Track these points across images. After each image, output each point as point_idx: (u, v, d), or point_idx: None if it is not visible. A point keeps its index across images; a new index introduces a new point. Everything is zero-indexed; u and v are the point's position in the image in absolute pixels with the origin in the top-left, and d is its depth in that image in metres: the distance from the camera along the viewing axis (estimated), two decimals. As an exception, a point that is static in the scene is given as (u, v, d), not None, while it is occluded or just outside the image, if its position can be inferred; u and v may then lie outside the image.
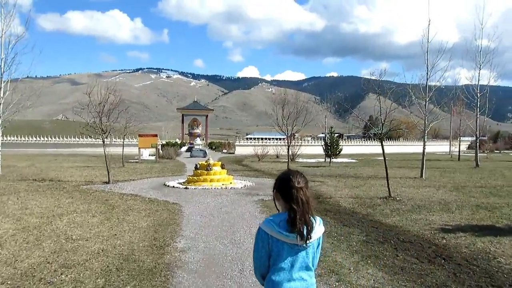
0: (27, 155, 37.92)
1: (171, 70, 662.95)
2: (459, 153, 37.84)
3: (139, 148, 31.05)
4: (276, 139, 56.15)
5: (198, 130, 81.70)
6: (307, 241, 2.19)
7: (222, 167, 16.50)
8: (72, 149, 47.45)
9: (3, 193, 12.20)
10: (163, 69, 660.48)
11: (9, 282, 4.79)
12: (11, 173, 18.64)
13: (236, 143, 52.17)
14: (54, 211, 9.33)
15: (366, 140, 68.61)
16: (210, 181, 15.18)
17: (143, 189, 13.88)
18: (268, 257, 2.24)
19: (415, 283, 4.99)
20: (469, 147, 61.92)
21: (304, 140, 52.63)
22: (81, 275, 5.06)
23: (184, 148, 54.73)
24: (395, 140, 68.47)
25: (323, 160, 33.34)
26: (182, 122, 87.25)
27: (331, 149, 27.45)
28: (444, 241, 6.97)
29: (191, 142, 68.81)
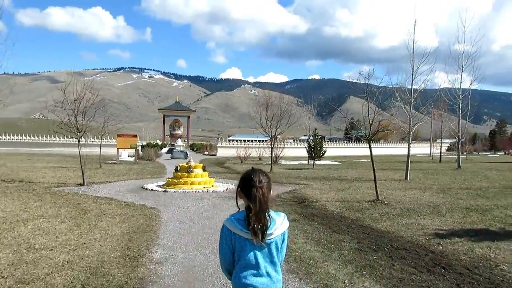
0: None
1: (153, 70, 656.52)
2: (440, 155, 38.10)
3: (117, 148, 30.03)
4: (259, 141, 55.76)
5: (179, 131, 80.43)
6: (264, 239, 2.22)
7: (204, 169, 15.89)
8: (48, 148, 45.89)
9: (-34, 196, 11.32)
10: (145, 68, 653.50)
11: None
12: (-21, 175, 17.59)
13: (218, 145, 51.43)
14: (18, 215, 8.56)
15: (348, 142, 68.86)
16: (190, 184, 14.54)
17: (120, 192, 13.13)
18: (232, 253, 2.31)
19: (417, 298, 4.52)
20: (448, 149, 62.75)
21: (286, 142, 52.22)
22: (40, 293, 4.41)
23: (165, 150, 53.67)
24: (376, 142, 68.83)
25: (306, 162, 32.96)
26: (164, 123, 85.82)
27: (315, 151, 27.07)
28: (441, 247, 6.55)
29: (172, 143, 67.73)
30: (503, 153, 60.08)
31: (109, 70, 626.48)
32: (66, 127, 14.47)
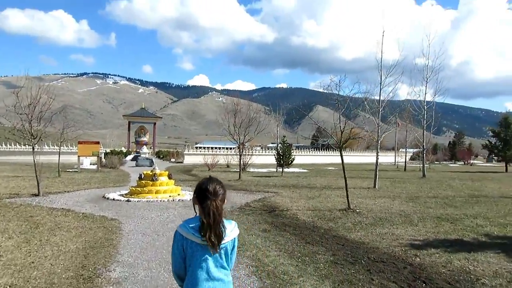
0: (-51, 163, 34.04)
1: (118, 75, 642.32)
2: (405, 164, 38.94)
3: (78, 156, 28.67)
4: (226, 148, 55.22)
5: (145, 138, 78.62)
6: (218, 248, 2.27)
7: (170, 177, 15.22)
8: (4, 157, 43.48)
9: None
10: (109, 74, 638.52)
11: None
12: None
13: (185, 152, 50.45)
14: (-40, 231, 7.68)
15: (315, 150, 69.52)
16: (155, 193, 13.84)
17: (78, 203, 12.27)
18: (183, 259, 2.33)
19: (402, 317, 4.18)
20: (411, 158, 64.39)
21: (254, 149, 51.96)
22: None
23: (129, 157, 52.11)
24: (342, 150, 69.68)
25: (274, 169, 32.74)
26: (129, 130, 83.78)
27: (284, 159, 26.84)
28: (418, 259, 6.29)
29: (138, 150, 66.04)
30: (463, 163, 62.24)
31: (71, 75, 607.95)
32: (19, 133, 13.42)
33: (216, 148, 55.30)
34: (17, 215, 9.56)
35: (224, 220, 2.36)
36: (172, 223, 9.14)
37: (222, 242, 2.30)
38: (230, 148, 54.40)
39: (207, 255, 2.30)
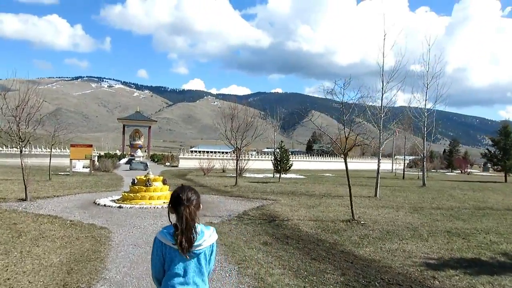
0: None
1: (113, 79, 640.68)
2: (403, 172, 38.44)
3: (70, 159, 27.91)
4: (221, 152, 54.53)
5: (140, 142, 77.70)
6: (189, 251, 2.36)
7: (164, 182, 14.57)
8: (-4, 158, 42.46)
9: None
10: (104, 78, 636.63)
11: None
12: None
13: (180, 156, 49.70)
14: None
15: (310, 155, 69.01)
16: (149, 199, 13.20)
17: (67, 209, 11.60)
18: (163, 264, 2.43)
19: None
20: (408, 166, 63.99)
21: (249, 154, 51.35)
22: None
23: (123, 160, 51.27)
24: (336, 157, 69.34)
25: (271, 175, 32.14)
26: (123, 133, 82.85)
27: (281, 165, 26.25)
28: (437, 282, 5.72)
29: (132, 154, 65.18)
30: (460, 171, 61.98)
31: (66, 79, 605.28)
32: (6, 135, 12.73)
33: (211, 152, 54.61)
34: (0, 222, 8.90)
35: (202, 226, 2.47)
36: (166, 234, 8.49)
37: (199, 248, 2.40)
38: (226, 153, 53.82)
39: (185, 261, 2.38)
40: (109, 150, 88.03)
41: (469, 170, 61.62)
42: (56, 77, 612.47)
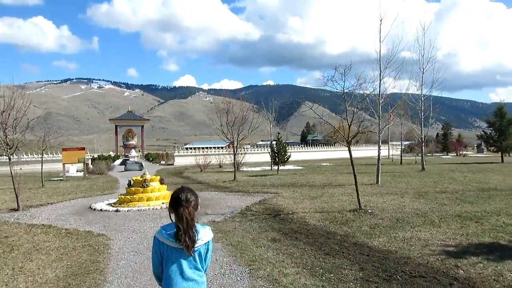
0: None
1: (103, 80, 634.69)
2: (401, 157, 38.28)
3: (63, 164, 27.30)
4: (216, 148, 54.08)
5: (133, 142, 76.97)
6: (193, 251, 2.50)
7: (161, 182, 14.11)
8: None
9: None
10: (94, 79, 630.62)
11: None
12: None
13: (175, 154, 49.13)
14: None
15: (305, 146, 68.78)
16: (147, 200, 12.75)
17: (62, 216, 11.11)
18: (161, 262, 2.55)
19: None
20: (403, 151, 63.87)
21: (244, 148, 50.98)
22: None
23: (118, 161, 50.67)
24: (331, 146, 69.19)
25: (268, 168, 31.76)
26: (116, 134, 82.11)
27: (279, 156, 25.85)
28: (462, 271, 5.36)
29: (126, 154, 64.50)
30: (455, 154, 61.98)
31: (55, 82, 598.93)
32: (-6, 144, 12.16)
33: (206, 148, 54.12)
34: (-10, 236, 8.41)
35: (198, 225, 2.58)
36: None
37: (196, 245, 2.51)
38: (221, 148, 53.35)
39: (181, 258, 2.50)
40: (103, 152, 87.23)
41: (464, 152, 61.64)
42: (45, 81, 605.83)
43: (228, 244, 7.12)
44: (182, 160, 45.25)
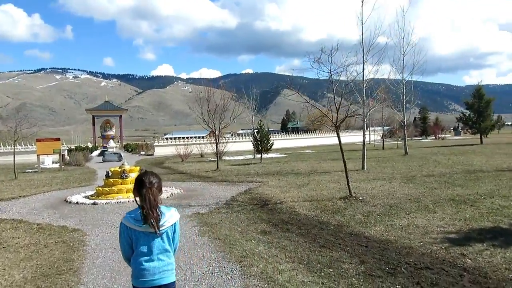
0: None
1: (78, 69, 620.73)
2: (383, 142, 38.45)
3: (37, 155, 26.12)
4: (196, 137, 53.18)
5: (111, 132, 75.15)
6: (159, 229, 2.59)
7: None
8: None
9: None
10: (69, 69, 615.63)
11: None
12: None
13: (155, 144, 48.09)
14: None
15: (285, 134, 68.58)
16: (126, 192, 12.08)
17: (34, 210, 10.38)
18: (131, 245, 2.66)
19: None
20: (382, 136, 64.36)
21: (224, 137, 50.35)
22: None
23: (96, 152, 49.28)
24: (311, 133, 69.19)
25: (251, 156, 31.28)
26: (93, 125, 79.85)
27: (262, 145, 25.35)
28: (469, 260, 5.00)
29: (105, 145, 62.97)
30: (434, 137, 62.78)
31: (28, 72, 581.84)
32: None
33: (187, 138, 53.21)
34: (-48, 234, 7.66)
35: (164, 207, 2.69)
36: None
37: (162, 228, 2.62)
38: (202, 137, 52.51)
39: (149, 240, 2.62)
40: (80, 143, 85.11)
41: (443, 136, 62.52)
42: (17, 71, 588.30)
43: (216, 238, 6.61)
44: (162, 150, 44.29)
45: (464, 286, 4.23)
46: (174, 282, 2.73)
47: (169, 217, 2.67)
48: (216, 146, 21.17)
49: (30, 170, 25.85)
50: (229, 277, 4.78)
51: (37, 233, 7.49)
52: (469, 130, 39.53)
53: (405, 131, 27.92)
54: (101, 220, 8.68)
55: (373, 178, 14.29)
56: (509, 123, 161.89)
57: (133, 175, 12.85)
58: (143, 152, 48.71)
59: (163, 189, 10.13)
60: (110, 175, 12.76)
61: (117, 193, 11.98)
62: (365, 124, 18.67)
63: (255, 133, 26.38)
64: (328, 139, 63.61)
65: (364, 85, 17.76)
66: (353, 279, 4.57)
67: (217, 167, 20.84)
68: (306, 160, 25.07)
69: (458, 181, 12.22)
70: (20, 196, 13.13)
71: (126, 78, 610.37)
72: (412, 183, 12.43)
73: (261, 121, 27.97)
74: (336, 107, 9.87)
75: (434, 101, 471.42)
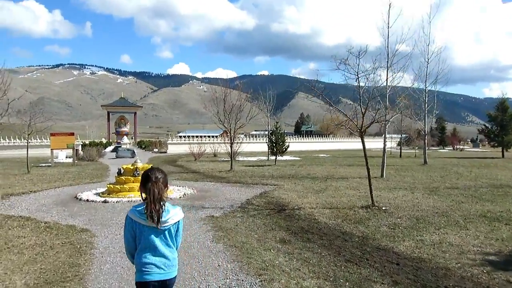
0: None
1: (96, 66, 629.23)
2: (400, 150, 37.57)
3: (51, 149, 26.06)
4: (209, 136, 52.94)
5: (126, 129, 75.63)
6: (159, 224, 2.61)
7: (154, 171, 13.05)
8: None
9: None
10: (86, 65, 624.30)
11: None
12: None
13: (168, 142, 47.97)
14: None
15: (299, 136, 67.98)
16: (138, 190, 11.70)
17: (44, 206, 10.07)
18: (134, 239, 2.68)
19: None
20: (398, 144, 63.25)
21: (238, 137, 49.96)
22: None
23: (109, 148, 49.39)
24: (326, 137, 68.47)
25: (265, 158, 30.84)
26: (108, 120, 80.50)
27: (277, 147, 24.86)
28: (518, 288, 4.44)
29: (118, 141, 63.20)
30: (451, 148, 61.41)
31: (47, 67, 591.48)
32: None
33: (200, 136, 52.98)
34: (-43, 229, 7.35)
35: (169, 205, 2.74)
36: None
37: (165, 224, 2.65)
38: (215, 137, 52.23)
39: (153, 235, 2.65)
40: (95, 138, 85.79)
41: (461, 147, 61.08)
42: (36, 66, 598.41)
43: (232, 246, 6.15)
44: (175, 148, 44.13)
45: (518, 319, 3.69)
46: (175, 277, 2.80)
47: (174, 214, 2.72)
48: (231, 146, 20.75)
49: (44, 164, 25.79)
50: (249, 294, 4.32)
51: (44, 232, 7.13)
52: (491, 143, 38.25)
53: (426, 140, 27.07)
54: (111, 220, 8.31)
55: (394, 187, 13.69)
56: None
57: (146, 174, 12.50)
58: (156, 150, 48.65)
59: (176, 188, 9.74)
60: (122, 172, 12.43)
61: (128, 191, 11.63)
62: (386, 131, 17.96)
63: (271, 135, 25.88)
64: (342, 144, 62.90)
65: (388, 90, 17.11)
66: (388, 303, 4.06)
67: (231, 167, 20.42)
68: (321, 165, 24.51)
69: (486, 196, 11.55)
70: (31, 191, 12.87)
71: (142, 76, 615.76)
72: (436, 195, 11.81)
73: (277, 122, 27.49)
74: (362, 112, 9.33)
75: (452, 112, 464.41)
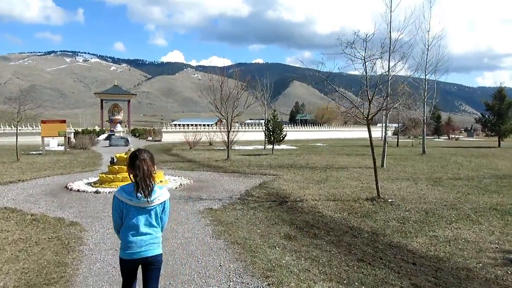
0: None
1: (89, 53, 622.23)
2: (397, 139, 37.30)
3: (42, 137, 25.37)
4: (204, 125, 52.31)
5: (119, 116, 74.42)
6: (149, 198, 2.73)
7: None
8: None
9: None
10: (79, 52, 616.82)
11: None
12: None
13: (163, 130, 47.28)
14: None
15: (294, 125, 67.57)
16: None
17: (31, 196, 9.55)
18: (121, 217, 2.81)
19: None
20: (394, 133, 63.02)
21: (234, 126, 49.37)
22: None
23: (102, 136, 48.63)
24: (321, 126, 68.12)
25: (261, 147, 30.36)
26: (101, 108, 79.20)
27: (274, 135, 24.37)
28: (550, 292, 4.04)
29: (112, 129, 62.35)
30: (447, 137, 61.27)
31: (38, 54, 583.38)
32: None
33: (195, 125, 52.34)
34: None
35: (156, 186, 2.83)
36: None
37: (152, 204, 2.77)
38: (210, 125, 51.64)
39: (138, 215, 2.77)
40: (88, 126, 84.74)
41: (456, 136, 61.00)
42: (28, 52, 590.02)
43: (233, 242, 5.70)
44: (170, 136, 43.49)
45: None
46: (161, 254, 2.91)
47: (160, 194, 2.83)
48: (228, 134, 20.23)
49: (35, 152, 25.14)
50: (255, 300, 3.88)
51: (29, 226, 6.63)
52: (488, 132, 37.94)
53: (424, 129, 26.71)
54: (102, 212, 7.82)
55: (396, 177, 13.32)
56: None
57: (140, 163, 11.99)
58: (151, 138, 47.99)
59: (172, 178, 9.21)
60: (115, 161, 11.91)
61: (122, 181, 11.10)
62: (386, 119, 17.52)
63: (268, 123, 25.37)
64: (338, 133, 62.59)
65: (390, 78, 16.62)
66: (411, 311, 3.64)
67: (228, 156, 19.94)
68: (319, 154, 24.09)
69: (491, 187, 11.20)
70: (19, 180, 12.32)
71: (136, 63, 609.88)
72: (440, 186, 11.44)
73: (274, 110, 26.98)
74: (369, 99, 8.85)
75: (445, 101, 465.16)
